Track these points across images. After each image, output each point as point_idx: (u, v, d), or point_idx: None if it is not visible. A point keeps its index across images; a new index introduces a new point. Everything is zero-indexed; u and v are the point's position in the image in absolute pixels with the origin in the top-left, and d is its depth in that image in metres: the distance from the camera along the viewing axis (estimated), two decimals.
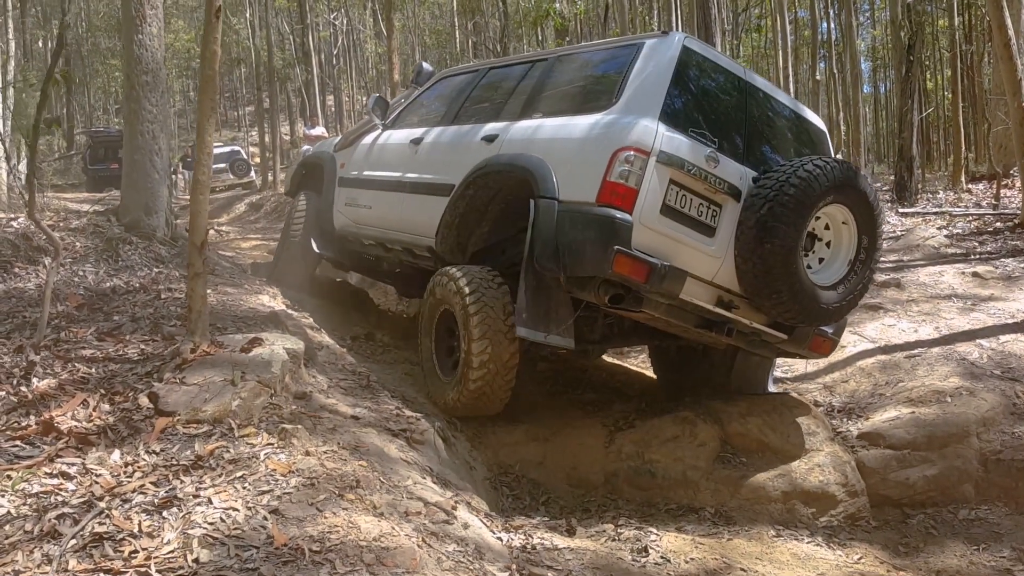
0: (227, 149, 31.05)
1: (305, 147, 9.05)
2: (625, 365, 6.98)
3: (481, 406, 4.85)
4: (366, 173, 6.52)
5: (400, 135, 6.32)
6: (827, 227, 4.79)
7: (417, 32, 41.12)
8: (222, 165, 29.54)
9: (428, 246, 5.56)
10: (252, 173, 30.13)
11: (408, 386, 5.32)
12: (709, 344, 5.36)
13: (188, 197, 21.71)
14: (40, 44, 33.85)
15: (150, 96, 6.36)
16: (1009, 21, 8.83)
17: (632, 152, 4.28)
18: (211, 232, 16.61)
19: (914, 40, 12.96)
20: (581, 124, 4.66)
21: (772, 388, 5.77)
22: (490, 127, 5.34)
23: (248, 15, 38.17)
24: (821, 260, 4.82)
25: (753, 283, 4.55)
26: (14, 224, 5.74)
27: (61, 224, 6.26)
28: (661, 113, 4.42)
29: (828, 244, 4.83)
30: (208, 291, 5.70)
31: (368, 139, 6.73)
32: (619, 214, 4.25)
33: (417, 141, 5.99)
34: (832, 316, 4.79)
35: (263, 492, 2.90)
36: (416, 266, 6.07)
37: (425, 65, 6.85)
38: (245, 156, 30.79)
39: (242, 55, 44.11)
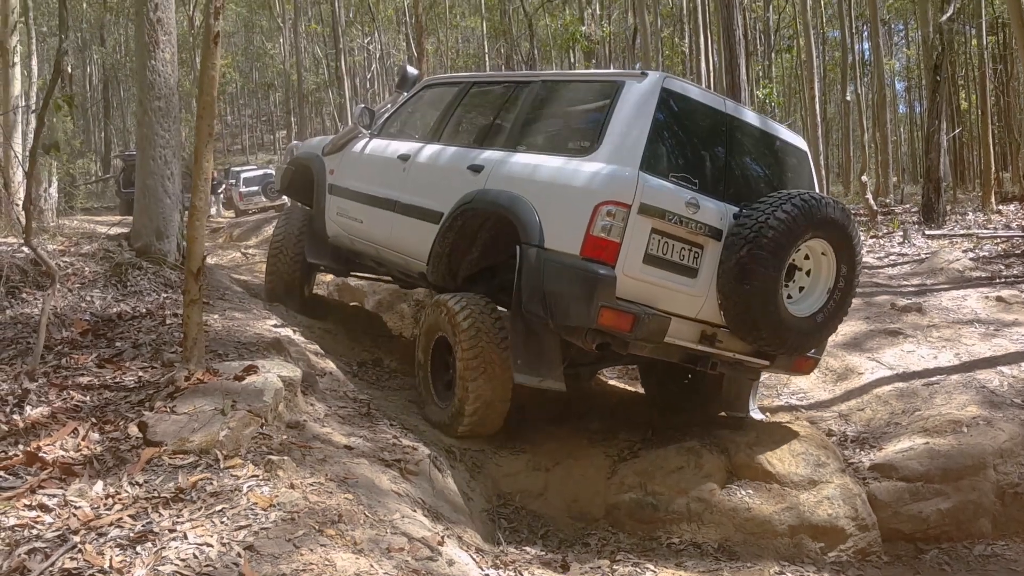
0: (260, 172, 31.42)
1: (294, 142, 9.01)
2: (634, 391, 6.88)
3: (478, 431, 4.98)
4: (357, 185, 6.51)
5: (388, 147, 6.33)
6: (807, 257, 4.87)
7: (449, 55, 41.51)
8: (255, 188, 29.92)
9: (420, 271, 5.63)
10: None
11: (411, 414, 5.29)
12: None
13: (216, 220, 21.95)
14: (70, 69, 34.54)
15: (163, 121, 6.44)
16: None
17: (614, 206, 4.35)
18: (237, 255, 16.70)
19: (941, 60, 12.77)
20: (565, 170, 4.71)
21: (754, 413, 5.77)
22: (476, 155, 5.37)
23: (281, 41, 38.86)
24: (801, 289, 4.91)
25: (734, 319, 4.66)
26: (25, 249, 5.81)
27: (72, 249, 6.33)
28: (642, 161, 4.46)
29: (808, 273, 4.91)
30: (215, 316, 5.75)
31: (357, 146, 6.69)
32: (603, 269, 4.36)
33: (405, 158, 6.01)
34: (812, 344, 4.97)
35: (241, 527, 2.86)
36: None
37: (410, 69, 6.81)
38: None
39: (275, 80, 44.91)
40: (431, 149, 5.91)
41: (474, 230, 5.28)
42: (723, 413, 5.81)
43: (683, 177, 4.60)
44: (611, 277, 4.34)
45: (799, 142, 5.47)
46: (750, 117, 5.23)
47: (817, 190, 5.20)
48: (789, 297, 4.78)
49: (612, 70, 5.19)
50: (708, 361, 4.82)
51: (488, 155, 5.30)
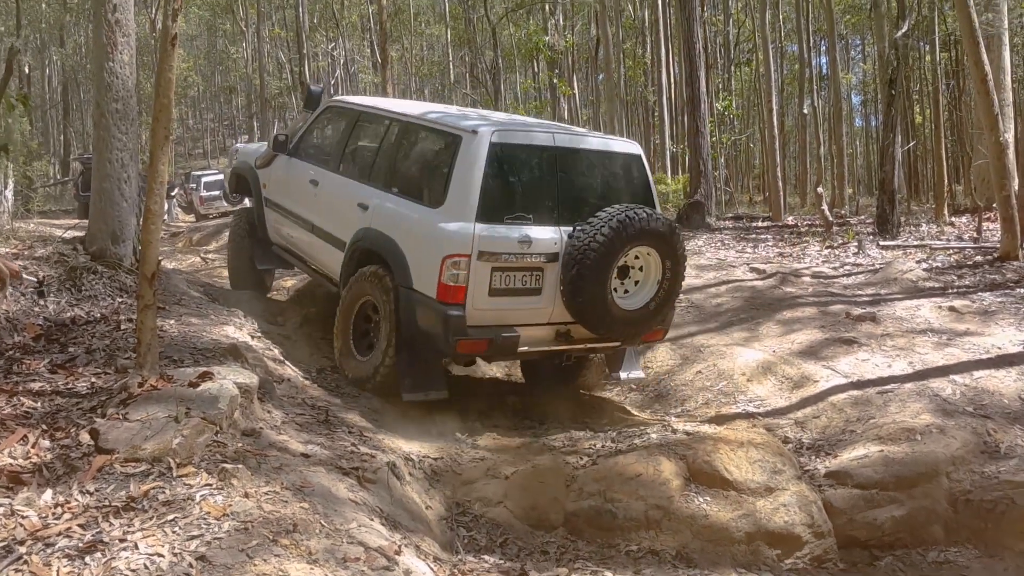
0: (221, 176, 31.00)
1: (236, 144, 9.32)
2: (601, 397, 6.91)
3: (391, 380, 5.63)
4: (284, 202, 7.35)
5: (302, 169, 7.07)
6: (636, 258, 5.68)
7: (413, 63, 41.43)
8: (216, 192, 29.52)
9: (337, 284, 6.40)
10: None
11: (370, 420, 5.25)
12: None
13: (176, 224, 21.64)
14: (27, 70, 33.88)
15: (120, 124, 6.35)
16: (986, 58, 8.89)
17: (457, 258, 5.21)
18: (197, 259, 16.48)
19: (896, 75, 13.02)
20: (423, 222, 5.56)
21: (625, 373, 6.44)
22: (363, 193, 6.18)
23: (244, 45, 38.51)
24: (637, 283, 5.76)
25: (578, 320, 5.59)
26: None
27: (26, 252, 6.21)
28: (477, 214, 5.25)
29: (640, 269, 5.74)
30: (171, 321, 5.67)
31: (280, 163, 7.41)
32: (453, 310, 5.23)
33: (315, 183, 6.81)
34: (650, 326, 5.91)
35: (193, 537, 2.82)
36: None
37: (313, 88, 7.53)
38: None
39: (238, 84, 44.48)
40: (332, 179, 6.69)
41: (368, 259, 5.96)
42: (583, 391, 6.83)
43: (517, 217, 5.41)
44: (461, 316, 5.23)
45: (631, 148, 6.19)
46: (582, 142, 5.95)
47: (652, 188, 6.06)
48: (626, 292, 5.70)
49: (456, 122, 5.80)
50: (565, 355, 5.93)
51: (371, 193, 6.11)
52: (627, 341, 5.97)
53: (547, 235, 5.43)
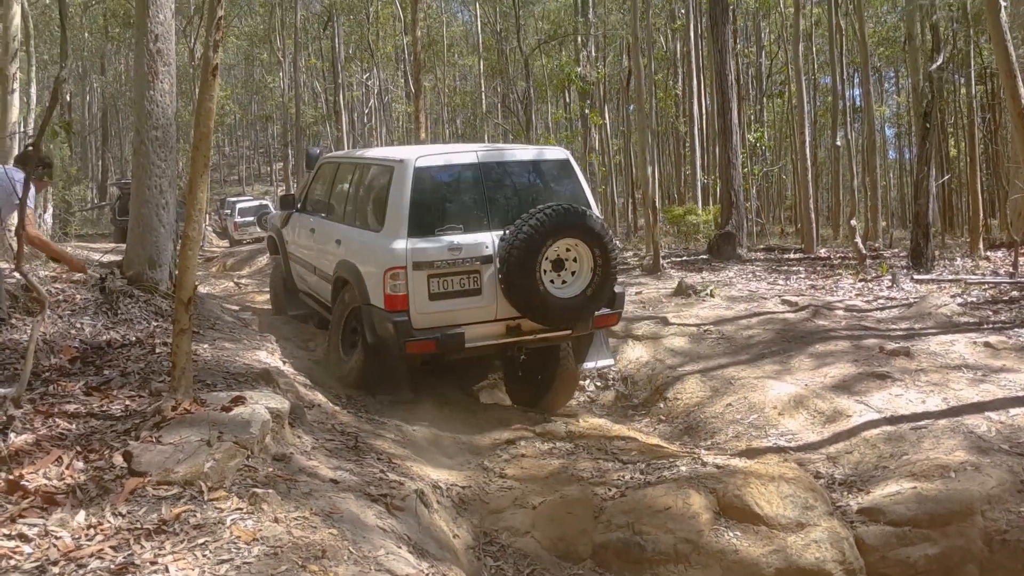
0: (256, 203, 31.48)
1: (313, 150, 10.30)
2: (627, 431, 6.87)
3: (363, 382, 6.55)
4: (297, 252, 8.50)
5: (305, 221, 8.22)
6: (568, 250, 6.22)
7: (446, 93, 41.86)
8: (250, 219, 29.95)
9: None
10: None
11: (399, 446, 5.26)
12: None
13: (210, 250, 21.96)
14: (69, 97, 34.69)
15: (159, 151, 6.48)
16: (1023, 91, 8.79)
17: (395, 270, 5.95)
18: (231, 284, 16.69)
19: (931, 108, 12.93)
20: (369, 244, 6.39)
21: (591, 363, 7.10)
22: (337, 230, 7.13)
23: (281, 75, 39.16)
24: (573, 273, 6.30)
25: (520, 312, 6.18)
26: (16, 275, 5.80)
27: (64, 276, 6.33)
28: (409, 230, 6.01)
29: (575, 260, 6.28)
30: (205, 346, 5.74)
31: (293, 218, 8.66)
32: (398, 317, 5.97)
33: (313, 231, 7.89)
34: (590, 312, 6.42)
35: (223, 561, 2.84)
36: None
37: (311, 151, 8.82)
38: (273, 210, 31.24)
39: (274, 112, 45.18)
40: (322, 223, 7.69)
41: (345, 285, 6.74)
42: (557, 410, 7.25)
43: (448, 228, 6.14)
44: (406, 321, 5.96)
45: (559, 154, 6.91)
46: (507, 155, 6.79)
47: (584, 186, 6.67)
48: (564, 282, 6.26)
49: (392, 155, 6.83)
50: (517, 347, 6.52)
51: (343, 229, 7.03)
52: (577, 328, 6.49)
53: (478, 240, 6.15)
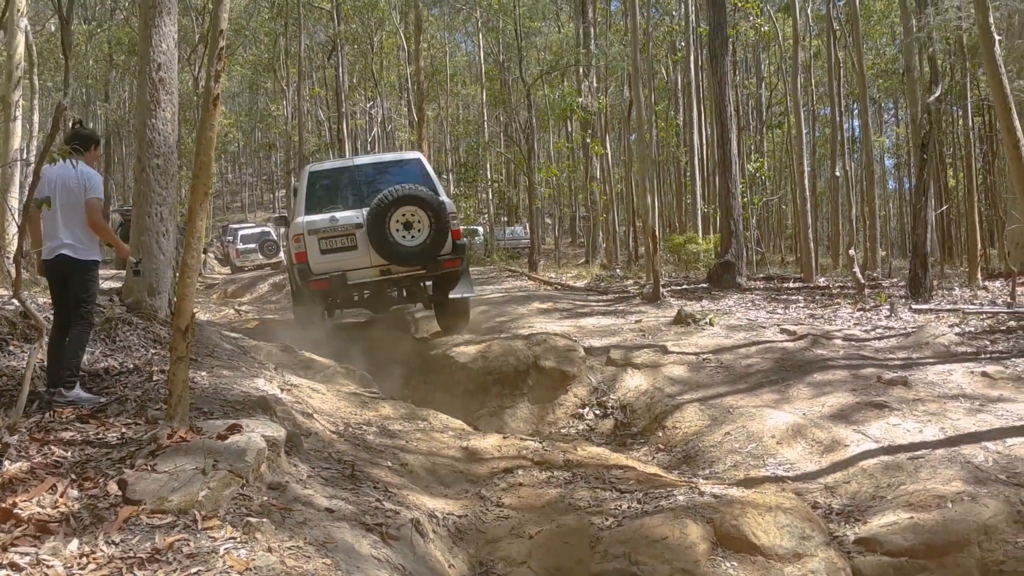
0: (258, 230, 31.63)
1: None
2: (625, 460, 6.84)
3: (302, 316, 10.45)
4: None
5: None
6: (413, 215, 9.16)
7: (448, 121, 42.15)
8: (252, 245, 30.07)
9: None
10: (281, 254, 30.67)
11: (395, 475, 5.25)
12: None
13: (212, 276, 22.00)
14: (71, 124, 34.84)
15: (160, 179, 6.54)
16: (1018, 124, 8.85)
17: (299, 235, 9.36)
18: (231, 311, 16.68)
19: (929, 139, 13.02)
20: (292, 224, 9.83)
21: (456, 294, 10.06)
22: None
23: (285, 103, 39.45)
24: (419, 231, 9.22)
25: (384, 258, 9.27)
26: (14, 302, 5.83)
27: None
28: (306, 210, 9.53)
29: (419, 222, 9.19)
30: (203, 373, 5.75)
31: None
32: (301, 266, 9.38)
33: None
34: (433, 256, 9.36)
35: None
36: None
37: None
38: (275, 237, 31.37)
39: (277, 140, 45.47)
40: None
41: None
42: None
43: (332, 207, 9.60)
44: (308, 268, 9.32)
45: (414, 155, 10.62)
46: (375, 159, 11.02)
47: (432, 176, 9.86)
48: (412, 236, 9.20)
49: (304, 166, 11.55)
50: (393, 283, 9.92)
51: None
52: (428, 268, 9.49)
53: (351, 214, 9.44)
